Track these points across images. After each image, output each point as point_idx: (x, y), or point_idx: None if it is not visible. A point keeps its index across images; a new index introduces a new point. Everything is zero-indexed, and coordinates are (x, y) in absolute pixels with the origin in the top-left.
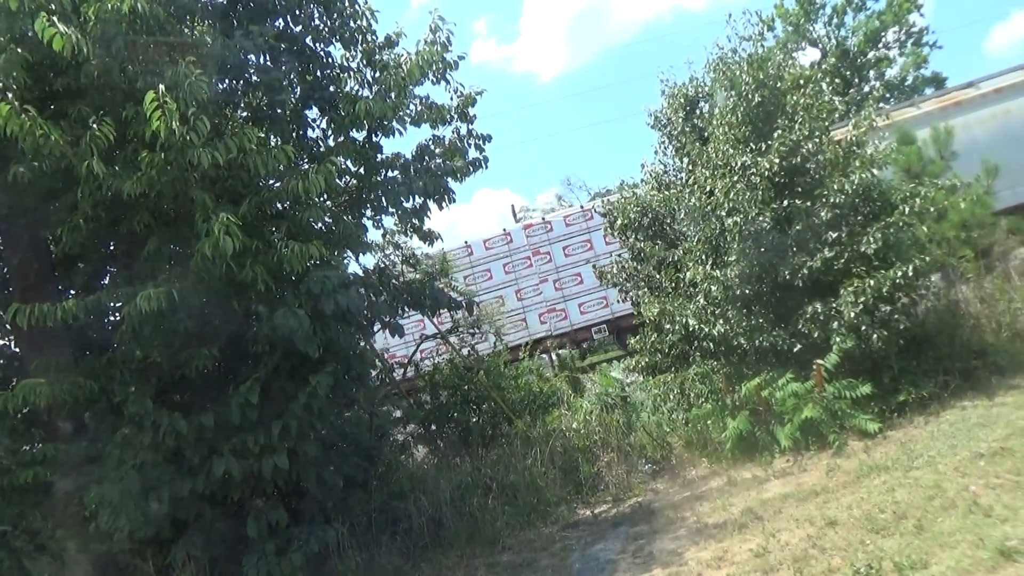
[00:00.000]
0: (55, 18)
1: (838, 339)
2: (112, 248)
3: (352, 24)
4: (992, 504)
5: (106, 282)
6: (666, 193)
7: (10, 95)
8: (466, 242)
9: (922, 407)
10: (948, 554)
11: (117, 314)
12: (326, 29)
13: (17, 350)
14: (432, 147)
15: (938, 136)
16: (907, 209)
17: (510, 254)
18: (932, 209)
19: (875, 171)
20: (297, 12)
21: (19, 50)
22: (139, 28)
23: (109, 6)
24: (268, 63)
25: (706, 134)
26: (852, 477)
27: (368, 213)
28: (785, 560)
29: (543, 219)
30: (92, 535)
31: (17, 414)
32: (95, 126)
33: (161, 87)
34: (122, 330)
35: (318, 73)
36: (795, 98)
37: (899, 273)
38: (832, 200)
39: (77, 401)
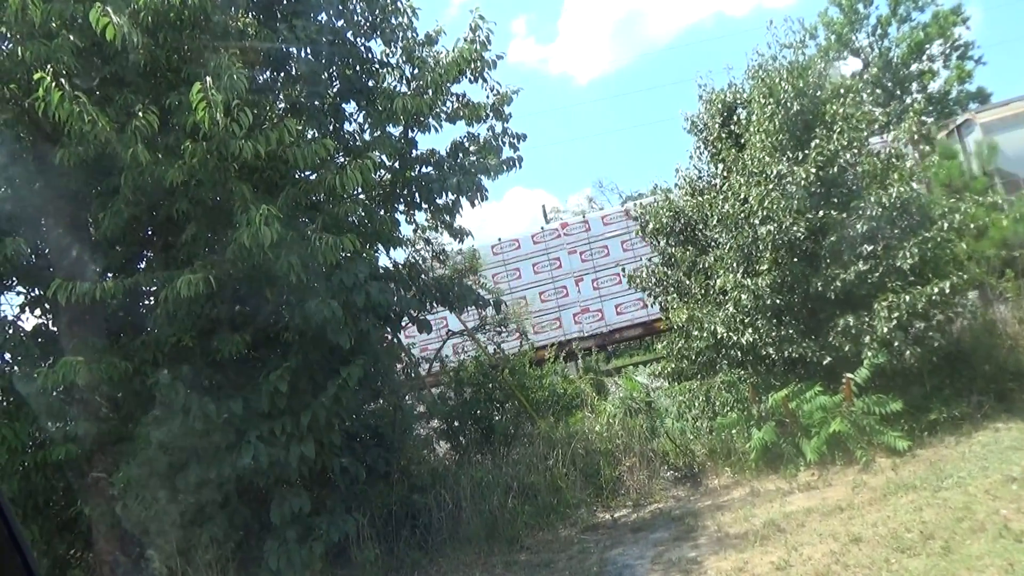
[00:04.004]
0: (108, 7)
1: (870, 354)
2: (149, 233)
3: (393, 20)
4: (1023, 529)
5: (141, 266)
6: (699, 199)
7: (62, 80)
8: (543, 227)
9: (954, 427)
10: None
11: (152, 298)
12: (367, 25)
13: (55, 329)
14: (467, 144)
15: (981, 151)
16: (946, 225)
17: (589, 242)
18: (972, 226)
19: (914, 184)
20: (340, 7)
21: (70, 36)
22: (186, 19)
23: None
24: (309, 56)
25: (743, 141)
26: (878, 494)
27: (401, 208)
28: (807, 575)
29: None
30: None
31: (54, 391)
32: (139, 114)
33: (208, 79)
34: (157, 313)
35: (357, 68)
36: (834, 107)
37: (935, 289)
38: (869, 212)
39: (112, 381)
